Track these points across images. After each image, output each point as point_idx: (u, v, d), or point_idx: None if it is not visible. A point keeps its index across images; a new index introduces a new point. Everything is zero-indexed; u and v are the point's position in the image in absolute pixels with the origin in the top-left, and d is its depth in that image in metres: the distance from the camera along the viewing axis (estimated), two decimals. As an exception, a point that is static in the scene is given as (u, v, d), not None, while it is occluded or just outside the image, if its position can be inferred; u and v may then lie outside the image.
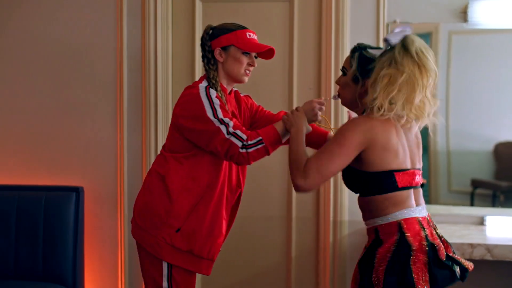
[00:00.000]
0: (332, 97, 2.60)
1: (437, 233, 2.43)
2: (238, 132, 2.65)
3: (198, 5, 3.77)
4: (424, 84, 2.30)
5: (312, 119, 2.68)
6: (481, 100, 3.62)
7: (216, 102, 2.69)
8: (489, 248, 3.11)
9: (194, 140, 2.72)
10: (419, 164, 2.48)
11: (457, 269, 2.37)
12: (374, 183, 2.35)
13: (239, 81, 2.84)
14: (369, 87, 2.33)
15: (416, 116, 2.35)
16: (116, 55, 3.73)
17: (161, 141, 3.73)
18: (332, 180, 3.62)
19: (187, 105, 2.72)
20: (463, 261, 2.41)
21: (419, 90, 2.30)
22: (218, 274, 3.91)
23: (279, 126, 2.69)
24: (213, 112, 2.66)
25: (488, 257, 3.12)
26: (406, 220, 2.34)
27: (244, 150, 2.64)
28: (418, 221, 2.36)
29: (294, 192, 3.73)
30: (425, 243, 2.32)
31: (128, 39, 3.73)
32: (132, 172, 3.75)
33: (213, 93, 2.72)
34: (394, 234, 2.33)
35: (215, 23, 2.88)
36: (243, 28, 2.83)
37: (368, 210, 2.41)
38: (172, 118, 2.82)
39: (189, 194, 2.75)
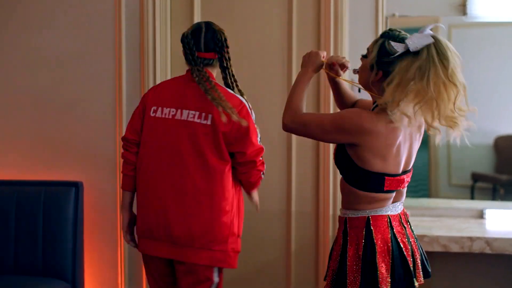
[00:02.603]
0: (353, 70, 2.55)
1: (406, 232, 2.42)
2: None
3: (197, 1, 3.76)
4: (450, 98, 2.23)
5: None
6: (481, 93, 3.61)
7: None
8: (488, 241, 3.11)
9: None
10: (411, 163, 2.47)
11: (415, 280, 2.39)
12: (363, 179, 2.35)
13: None
14: (386, 87, 2.26)
15: (448, 125, 2.30)
16: (115, 49, 3.73)
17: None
18: (331, 175, 3.62)
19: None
20: (418, 273, 2.42)
21: (444, 104, 2.23)
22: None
23: None
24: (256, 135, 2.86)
25: (488, 250, 3.12)
26: (375, 216, 2.37)
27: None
28: (387, 219, 2.38)
29: (293, 187, 3.73)
30: (390, 243, 2.34)
31: (126, 33, 3.72)
32: (132, 167, 3.75)
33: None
34: (361, 228, 2.36)
35: (213, 19, 2.89)
36: None
37: (345, 196, 2.44)
38: (221, 128, 2.75)
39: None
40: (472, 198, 3.65)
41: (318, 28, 3.70)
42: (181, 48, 2.87)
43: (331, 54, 3.59)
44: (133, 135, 2.91)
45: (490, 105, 3.62)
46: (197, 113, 2.77)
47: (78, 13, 3.77)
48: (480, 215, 3.56)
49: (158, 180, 2.81)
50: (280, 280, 3.85)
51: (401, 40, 2.30)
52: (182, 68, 3.73)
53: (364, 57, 2.43)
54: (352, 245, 2.36)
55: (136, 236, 2.97)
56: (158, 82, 3.70)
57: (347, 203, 2.43)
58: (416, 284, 2.39)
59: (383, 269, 2.31)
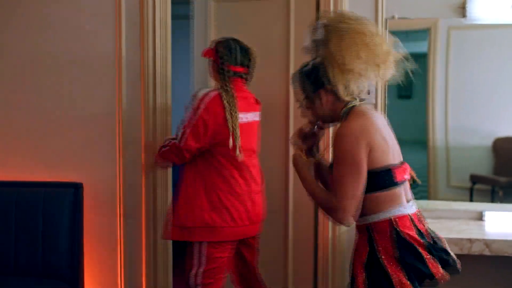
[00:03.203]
0: (315, 126, 2.62)
1: (428, 229, 2.44)
2: None
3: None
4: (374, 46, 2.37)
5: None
6: (480, 95, 3.62)
7: None
8: (487, 243, 3.12)
9: None
10: (401, 157, 2.50)
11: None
12: (374, 180, 2.35)
13: None
14: (332, 87, 2.40)
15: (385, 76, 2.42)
16: (115, 51, 3.73)
17: (160, 137, 3.74)
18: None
19: None
20: (452, 255, 2.43)
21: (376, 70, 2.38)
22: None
23: None
24: None
25: (487, 252, 3.12)
26: (397, 217, 2.36)
27: None
28: (409, 219, 2.38)
29: (291, 187, 3.74)
30: (422, 239, 2.34)
31: (126, 34, 3.73)
32: (131, 168, 3.75)
33: None
34: (386, 232, 2.34)
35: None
36: None
37: (362, 207, 2.40)
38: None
39: None
40: (471, 200, 3.65)
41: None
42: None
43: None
44: None
45: (489, 107, 3.63)
46: None
47: (79, 14, 3.77)
48: (479, 217, 3.56)
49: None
50: (278, 278, 3.86)
51: (305, 64, 2.50)
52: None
53: (302, 106, 2.53)
54: (386, 250, 2.33)
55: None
56: (157, 83, 3.71)
57: (364, 210, 2.39)
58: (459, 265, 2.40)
59: (420, 264, 2.31)
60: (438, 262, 2.33)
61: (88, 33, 3.77)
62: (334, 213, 2.34)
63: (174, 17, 3.91)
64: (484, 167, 3.67)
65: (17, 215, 3.64)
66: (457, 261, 2.41)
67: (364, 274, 2.36)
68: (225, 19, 3.90)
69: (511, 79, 3.56)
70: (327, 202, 2.37)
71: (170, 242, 3.84)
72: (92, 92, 3.78)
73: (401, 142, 2.67)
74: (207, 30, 3.94)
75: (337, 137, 2.36)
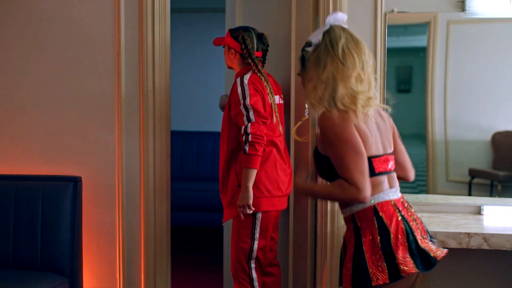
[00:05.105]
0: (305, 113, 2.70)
1: (412, 214, 2.47)
2: None
3: None
4: (344, 78, 2.39)
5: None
6: (479, 89, 3.62)
7: None
8: (486, 237, 3.12)
9: None
10: (390, 149, 2.52)
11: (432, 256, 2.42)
12: None
13: None
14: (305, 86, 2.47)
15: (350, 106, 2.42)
16: (114, 44, 3.73)
17: (159, 130, 3.73)
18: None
19: None
20: (434, 249, 2.44)
21: (342, 85, 2.38)
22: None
23: None
24: None
25: (485, 246, 3.12)
26: (380, 204, 2.39)
27: None
28: (392, 204, 2.40)
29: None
30: (403, 226, 2.36)
31: (125, 30, 3.72)
32: (130, 162, 3.76)
33: None
34: (370, 219, 2.37)
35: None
36: None
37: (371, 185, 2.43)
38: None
39: None
40: (470, 194, 3.65)
41: (317, 24, 3.71)
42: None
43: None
44: None
45: (489, 101, 3.62)
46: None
47: (77, 11, 3.77)
48: (478, 211, 3.57)
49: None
50: (278, 275, 3.86)
51: (307, 45, 2.53)
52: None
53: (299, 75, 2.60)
54: (367, 238, 2.37)
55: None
56: (157, 75, 3.71)
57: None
58: (439, 255, 2.42)
59: (403, 251, 2.33)
60: (410, 257, 2.34)
61: (89, 30, 3.76)
62: (350, 195, 2.35)
63: (173, 10, 3.91)
64: (483, 161, 3.67)
65: (16, 209, 3.65)
66: (434, 256, 2.42)
67: (349, 262, 2.41)
68: (251, 12, 3.97)
69: (510, 73, 3.56)
70: (339, 190, 2.37)
71: (169, 235, 3.84)
72: (91, 86, 3.78)
73: (400, 136, 2.68)
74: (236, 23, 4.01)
75: (324, 122, 2.40)
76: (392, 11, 3.54)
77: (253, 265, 3.49)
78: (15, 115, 3.84)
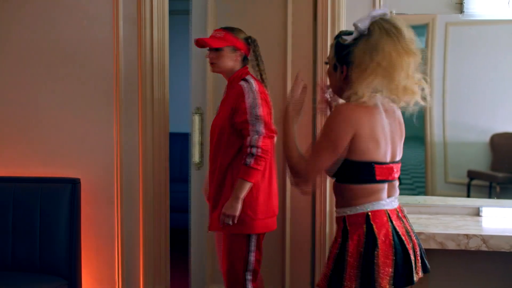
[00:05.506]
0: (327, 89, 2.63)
1: (405, 226, 2.43)
2: None
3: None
4: (404, 65, 2.29)
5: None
6: (478, 91, 3.62)
7: None
8: (484, 239, 3.12)
9: None
10: (399, 156, 2.48)
11: (415, 274, 2.39)
12: (352, 171, 2.36)
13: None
14: (353, 75, 2.34)
15: (404, 98, 2.36)
16: (113, 46, 3.73)
17: (158, 132, 3.73)
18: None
19: None
20: (418, 267, 2.42)
21: (398, 72, 2.29)
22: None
23: None
24: None
25: (484, 247, 3.12)
26: (374, 212, 2.37)
27: None
28: (386, 214, 2.38)
29: (288, 183, 3.73)
30: (391, 238, 2.33)
31: (124, 30, 3.72)
32: (129, 163, 3.76)
33: None
34: (361, 224, 2.35)
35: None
36: None
37: (340, 197, 2.44)
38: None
39: None
40: (468, 195, 3.65)
41: (315, 25, 3.71)
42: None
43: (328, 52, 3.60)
44: None
45: (487, 103, 3.63)
46: None
47: (76, 12, 3.77)
48: (477, 212, 3.57)
49: None
50: (275, 276, 3.86)
51: (351, 33, 2.41)
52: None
53: (326, 64, 2.52)
54: (353, 241, 2.35)
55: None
56: (155, 78, 3.71)
57: (343, 201, 2.43)
58: (416, 278, 2.39)
59: (385, 265, 2.30)
60: (391, 265, 2.32)
61: (87, 31, 3.76)
62: (298, 177, 2.40)
63: (172, 12, 3.91)
64: (481, 163, 3.67)
65: (15, 211, 3.65)
66: (416, 275, 2.40)
67: (330, 263, 2.39)
68: (224, 14, 3.90)
69: (509, 75, 3.56)
70: (297, 164, 2.39)
71: (168, 237, 3.84)
72: (90, 88, 3.78)
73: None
74: (206, 25, 3.95)
75: (332, 112, 2.39)
76: (391, 12, 3.54)
77: (249, 277, 3.29)
78: (13, 117, 3.84)
